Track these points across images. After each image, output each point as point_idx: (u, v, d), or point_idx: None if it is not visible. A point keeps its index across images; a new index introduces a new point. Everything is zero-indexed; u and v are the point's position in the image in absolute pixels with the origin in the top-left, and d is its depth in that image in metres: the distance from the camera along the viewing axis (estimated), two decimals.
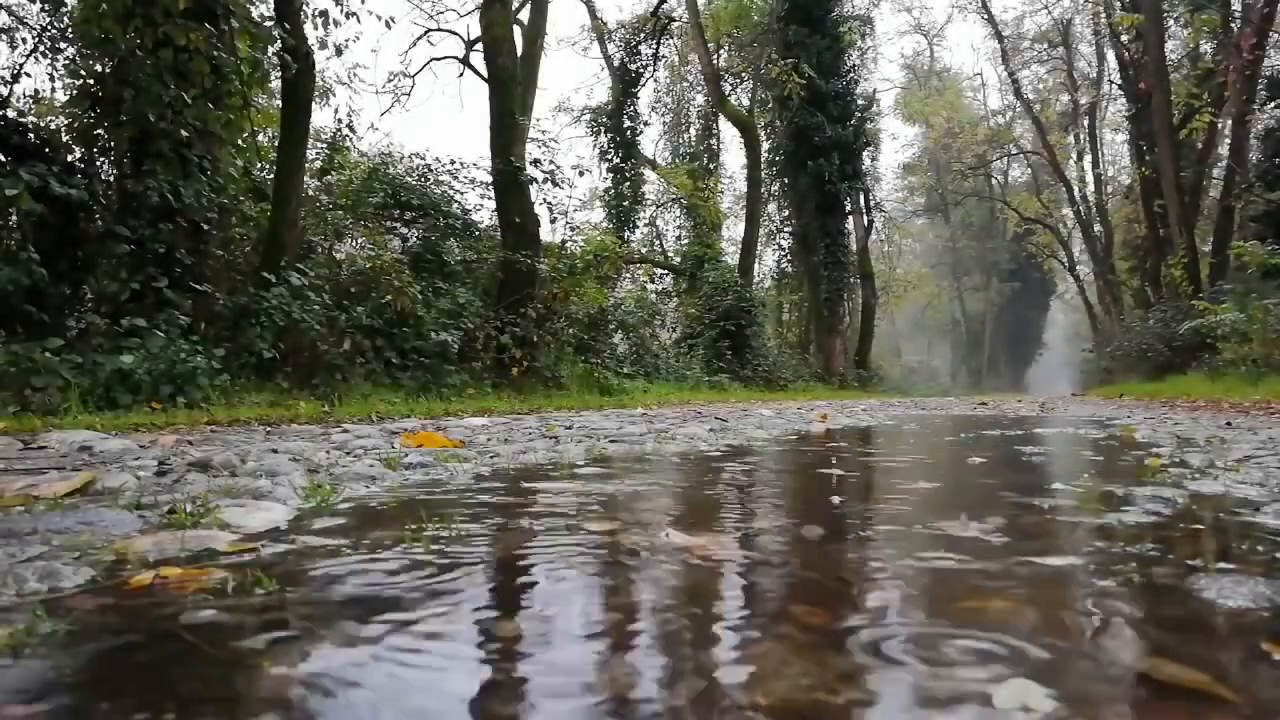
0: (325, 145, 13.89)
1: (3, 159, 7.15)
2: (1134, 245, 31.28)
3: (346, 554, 1.40)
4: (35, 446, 3.42)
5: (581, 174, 15.95)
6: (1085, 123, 35.70)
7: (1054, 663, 0.86)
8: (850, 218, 29.95)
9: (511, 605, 1.09)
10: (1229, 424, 5.65)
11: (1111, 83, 33.29)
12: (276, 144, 10.48)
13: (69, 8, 8.38)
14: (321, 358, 8.69)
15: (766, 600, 1.13)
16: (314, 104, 10.46)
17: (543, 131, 15.52)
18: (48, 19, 8.59)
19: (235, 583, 1.16)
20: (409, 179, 13.85)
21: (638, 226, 28.78)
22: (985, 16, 35.60)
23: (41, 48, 8.53)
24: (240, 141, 9.57)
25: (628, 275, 23.96)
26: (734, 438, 4.63)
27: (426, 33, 23.45)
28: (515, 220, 12.45)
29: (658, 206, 30.67)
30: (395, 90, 23.70)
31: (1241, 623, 1.01)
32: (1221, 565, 1.29)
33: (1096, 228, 35.16)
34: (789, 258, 31.96)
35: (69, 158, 7.83)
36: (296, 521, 1.72)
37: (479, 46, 18.49)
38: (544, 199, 14.01)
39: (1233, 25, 21.77)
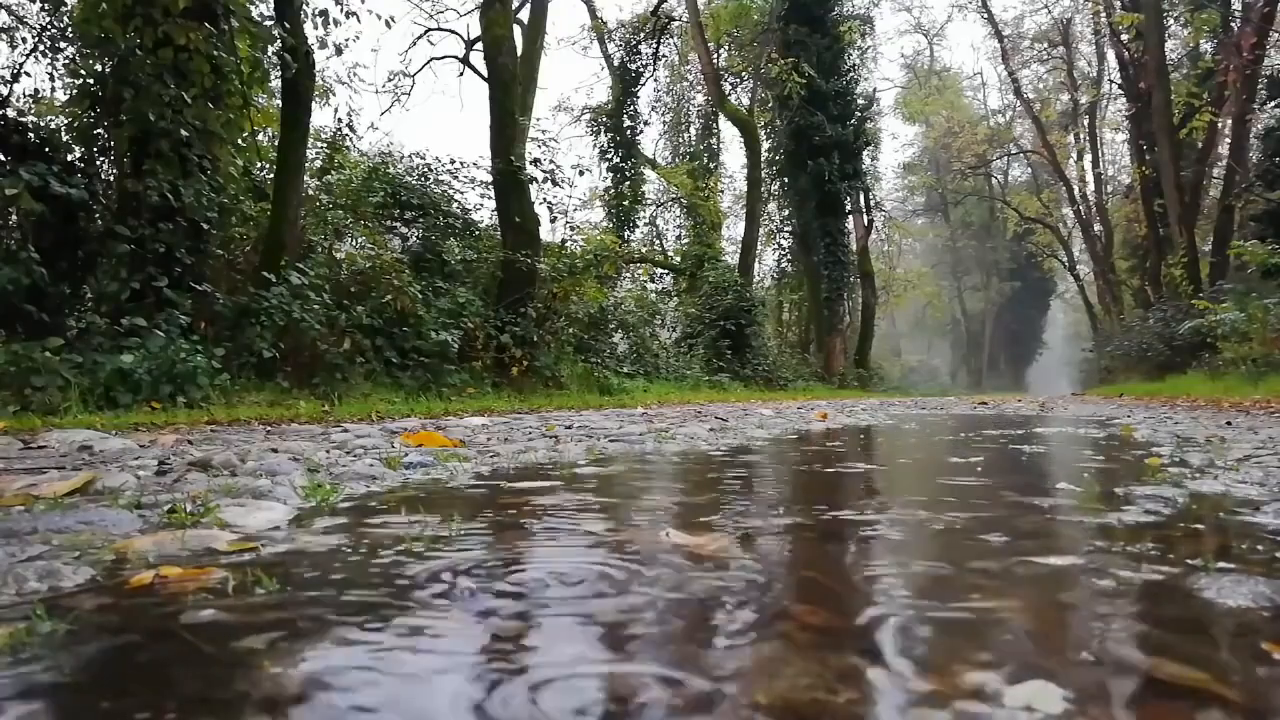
0: (325, 145, 13.88)
1: (3, 159, 7.15)
2: (1134, 245, 31.30)
3: (347, 553, 1.40)
4: (35, 446, 3.42)
5: (581, 174, 15.97)
6: (1085, 122, 35.69)
7: (1053, 661, 0.86)
8: (850, 217, 29.95)
9: (511, 604, 1.09)
10: (1229, 423, 5.65)
11: (1111, 82, 33.30)
12: (276, 144, 10.47)
13: (69, 7, 8.37)
14: (321, 357, 8.69)
15: (765, 599, 1.13)
16: (314, 104, 10.45)
17: (543, 131, 15.54)
18: (48, 18, 8.58)
19: (235, 582, 1.16)
20: (409, 178, 13.83)
21: (638, 226, 28.79)
22: (985, 16, 35.58)
23: (41, 47, 8.53)
24: (240, 141, 9.55)
25: (628, 275, 23.93)
26: (734, 437, 4.63)
27: (426, 32, 23.42)
28: (515, 220, 12.45)
29: (658, 206, 30.68)
30: (395, 90, 23.68)
31: (1241, 622, 1.01)
32: (1221, 565, 1.29)
33: (1096, 227, 35.15)
34: (789, 257, 31.96)
35: (69, 157, 7.83)
36: (297, 521, 1.72)
37: (479, 46, 18.47)
38: (544, 198, 14.02)
39: (1233, 25, 21.77)
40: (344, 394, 8.33)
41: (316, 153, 13.35)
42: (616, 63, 29.02)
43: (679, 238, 29.86)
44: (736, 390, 18.95)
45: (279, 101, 10.32)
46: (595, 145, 28.20)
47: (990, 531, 1.60)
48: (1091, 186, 36.67)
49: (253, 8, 9.05)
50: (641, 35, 28.64)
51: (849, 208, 29.42)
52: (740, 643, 0.94)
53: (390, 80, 23.68)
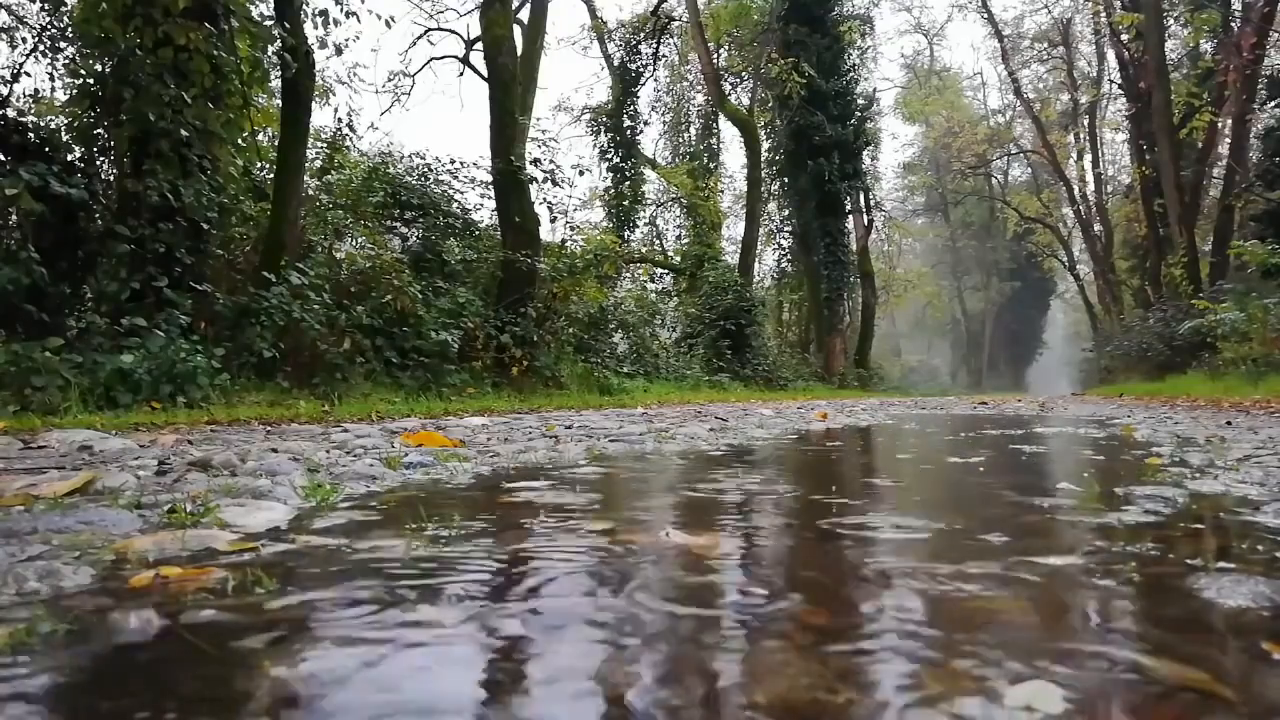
0: (325, 145, 13.88)
1: (3, 159, 7.15)
2: (1134, 245, 31.31)
3: (346, 553, 1.40)
4: (35, 446, 3.42)
5: (581, 174, 15.98)
6: (1085, 122, 35.69)
7: (1054, 661, 0.86)
8: (850, 217, 29.97)
9: (511, 604, 1.09)
10: (1229, 423, 5.65)
11: (1111, 82, 33.29)
12: (276, 144, 10.47)
13: (69, 7, 8.37)
14: (321, 357, 8.69)
15: (765, 599, 1.13)
16: (314, 103, 10.45)
17: (543, 131, 15.56)
18: (48, 18, 8.58)
19: (235, 582, 1.16)
20: (409, 178, 13.84)
21: (638, 226, 28.80)
22: (985, 16, 35.56)
23: (41, 47, 8.52)
24: (240, 141, 9.55)
25: (628, 275, 23.94)
26: (734, 437, 4.63)
27: (426, 32, 23.42)
28: (515, 220, 12.45)
29: (658, 206, 30.69)
30: (395, 90, 23.68)
31: (1241, 622, 1.01)
32: (1221, 564, 1.29)
33: (1096, 227, 35.15)
34: (789, 257, 31.98)
35: (69, 157, 7.82)
36: (297, 521, 1.72)
37: (479, 46, 18.48)
38: (544, 198, 14.03)
39: (1233, 25, 21.77)
40: (344, 394, 8.33)
41: (316, 153, 13.35)
42: (616, 63, 29.03)
43: (679, 238, 29.88)
44: (736, 390, 18.96)
45: (279, 101, 10.32)
46: (595, 145, 28.24)
47: (990, 531, 1.60)
48: (1091, 186, 36.71)
49: (253, 8, 9.05)
50: (641, 35, 28.64)
51: (849, 208, 29.45)
52: (740, 642, 0.94)
53: (390, 80, 23.71)
